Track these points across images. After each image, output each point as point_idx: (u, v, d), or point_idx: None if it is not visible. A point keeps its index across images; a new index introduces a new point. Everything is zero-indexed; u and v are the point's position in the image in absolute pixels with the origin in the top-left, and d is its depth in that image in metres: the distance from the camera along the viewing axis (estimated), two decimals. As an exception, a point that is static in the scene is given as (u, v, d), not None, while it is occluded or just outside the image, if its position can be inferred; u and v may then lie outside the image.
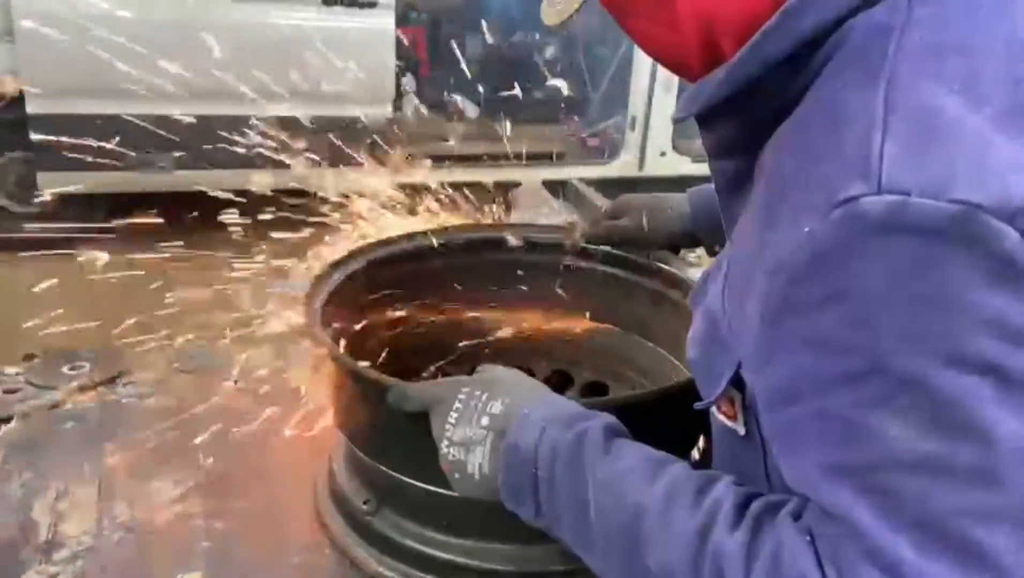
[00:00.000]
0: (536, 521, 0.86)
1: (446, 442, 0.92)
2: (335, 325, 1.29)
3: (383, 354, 1.42)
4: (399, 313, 1.49)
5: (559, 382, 1.58)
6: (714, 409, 0.83)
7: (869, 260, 0.58)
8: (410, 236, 1.53)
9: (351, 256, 1.43)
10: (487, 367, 1.00)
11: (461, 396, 0.93)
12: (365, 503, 1.22)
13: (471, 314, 1.57)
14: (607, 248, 1.53)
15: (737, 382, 0.77)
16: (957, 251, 0.57)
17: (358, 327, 1.39)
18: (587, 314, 1.57)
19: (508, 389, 0.92)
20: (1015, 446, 0.57)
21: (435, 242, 1.51)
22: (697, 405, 0.85)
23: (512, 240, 1.56)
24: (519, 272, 1.56)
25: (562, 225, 1.69)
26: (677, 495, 0.74)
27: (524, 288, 1.56)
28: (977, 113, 0.59)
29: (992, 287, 0.57)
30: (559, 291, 1.56)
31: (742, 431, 0.80)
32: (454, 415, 0.92)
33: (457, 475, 0.92)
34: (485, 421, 0.89)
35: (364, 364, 1.13)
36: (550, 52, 5.14)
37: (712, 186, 0.87)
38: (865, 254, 0.58)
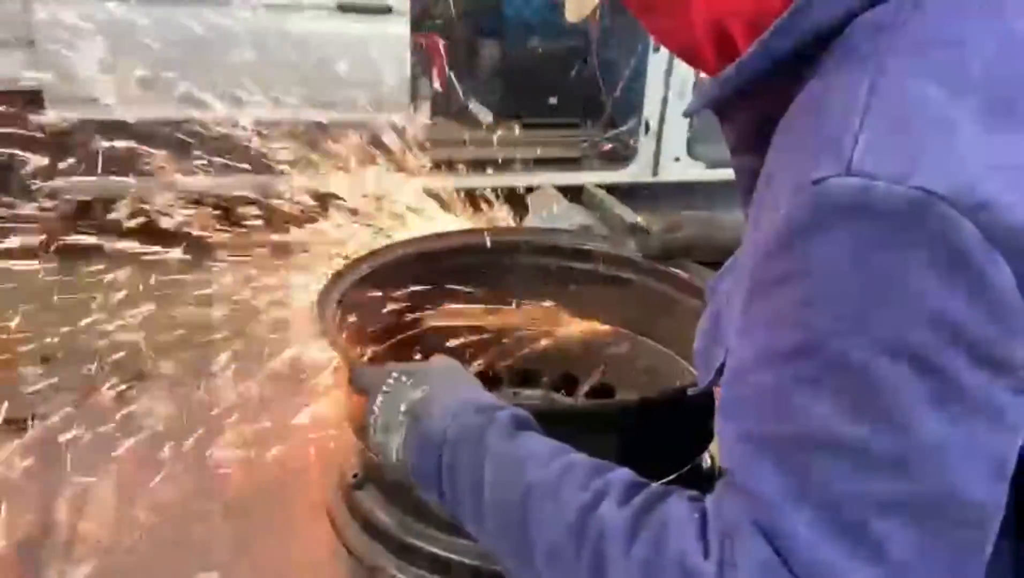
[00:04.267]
0: (442, 506, 0.87)
1: (372, 424, 0.94)
2: (356, 315, 1.30)
3: (414, 354, 1.43)
4: (433, 314, 1.49)
5: (598, 395, 1.57)
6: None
7: (828, 240, 0.59)
8: (451, 234, 1.54)
9: (376, 253, 1.45)
10: (436, 358, 1.01)
11: (390, 381, 0.94)
12: (354, 477, 1.24)
13: (506, 319, 1.56)
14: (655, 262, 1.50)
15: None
16: (909, 237, 0.57)
17: (382, 320, 1.40)
18: (627, 326, 1.56)
19: (433, 378, 0.93)
20: (933, 443, 0.57)
21: (488, 241, 1.51)
22: (690, 391, 0.86)
23: (557, 245, 1.55)
24: (558, 278, 1.56)
25: (609, 236, 1.68)
26: (570, 475, 0.74)
27: (561, 296, 1.55)
28: (960, 108, 0.60)
29: (941, 280, 0.56)
30: (600, 300, 1.55)
31: None
32: (380, 399, 0.93)
33: (381, 457, 0.94)
34: (403, 407, 0.90)
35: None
36: (565, 58, 5.14)
37: None
38: (826, 234, 0.59)
